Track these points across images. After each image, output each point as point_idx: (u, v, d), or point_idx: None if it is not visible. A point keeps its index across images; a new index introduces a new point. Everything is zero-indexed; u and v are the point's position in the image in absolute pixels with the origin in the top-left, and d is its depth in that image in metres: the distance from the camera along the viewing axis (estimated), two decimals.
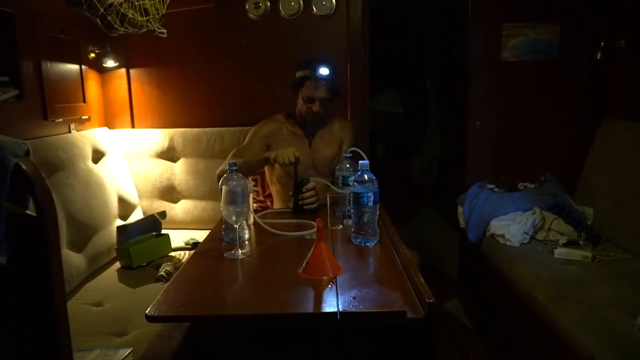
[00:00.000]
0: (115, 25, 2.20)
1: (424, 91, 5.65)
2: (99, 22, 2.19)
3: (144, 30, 2.40)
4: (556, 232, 2.69)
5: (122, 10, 2.20)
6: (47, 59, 2.52)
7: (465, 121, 3.30)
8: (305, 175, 2.40)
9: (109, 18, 2.17)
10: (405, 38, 5.55)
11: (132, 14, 2.25)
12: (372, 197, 1.79)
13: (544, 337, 2.07)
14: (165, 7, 2.51)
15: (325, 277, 1.47)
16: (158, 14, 2.46)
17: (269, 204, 2.89)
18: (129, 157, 3.07)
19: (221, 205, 1.75)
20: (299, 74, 2.53)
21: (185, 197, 3.11)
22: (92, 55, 3.01)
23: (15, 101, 2.27)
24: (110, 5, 2.16)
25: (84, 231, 2.41)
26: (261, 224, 2.01)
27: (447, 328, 3.05)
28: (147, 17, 2.37)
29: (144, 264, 2.44)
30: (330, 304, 1.37)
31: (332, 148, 2.66)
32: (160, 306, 1.38)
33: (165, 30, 2.49)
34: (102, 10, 2.13)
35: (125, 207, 2.87)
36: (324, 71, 2.48)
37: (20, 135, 2.13)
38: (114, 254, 2.54)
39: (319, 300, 1.41)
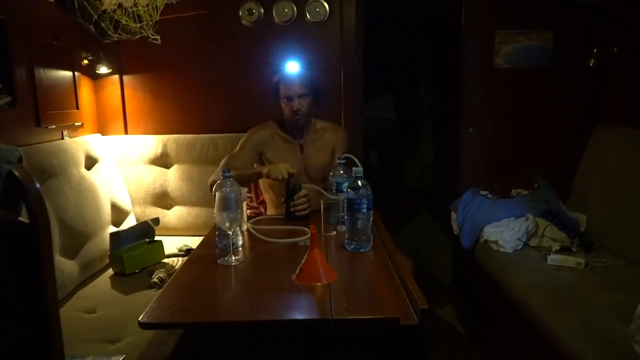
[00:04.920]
0: (109, 32, 2.20)
1: (418, 98, 5.68)
2: (93, 29, 2.18)
3: (138, 36, 2.40)
4: (549, 238, 2.69)
5: (115, 17, 2.19)
6: (40, 66, 2.52)
7: (458, 128, 3.31)
8: (297, 181, 2.39)
9: (102, 24, 2.16)
10: (399, 45, 5.57)
11: (126, 21, 2.25)
12: (365, 204, 1.79)
13: (538, 343, 2.07)
14: (158, 13, 2.51)
15: (319, 284, 1.48)
16: (152, 20, 2.46)
17: (262, 210, 2.89)
18: (122, 164, 3.06)
19: (215, 211, 1.75)
20: (274, 79, 2.57)
21: (178, 204, 3.11)
22: (85, 61, 3.01)
23: (8, 108, 2.27)
24: (104, 11, 2.15)
25: (77, 238, 2.40)
26: (254, 233, 2.01)
27: (441, 334, 3.05)
28: (141, 24, 2.37)
29: (137, 270, 2.43)
30: (324, 311, 1.36)
31: (324, 155, 2.65)
32: (153, 313, 1.37)
33: (158, 37, 2.50)
34: (95, 16, 2.13)
35: (118, 214, 2.86)
36: (291, 67, 2.53)
37: (13, 142, 2.13)
38: (107, 261, 2.53)
39: (312, 307, 1.41)
